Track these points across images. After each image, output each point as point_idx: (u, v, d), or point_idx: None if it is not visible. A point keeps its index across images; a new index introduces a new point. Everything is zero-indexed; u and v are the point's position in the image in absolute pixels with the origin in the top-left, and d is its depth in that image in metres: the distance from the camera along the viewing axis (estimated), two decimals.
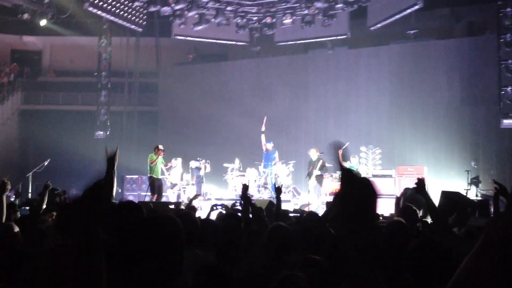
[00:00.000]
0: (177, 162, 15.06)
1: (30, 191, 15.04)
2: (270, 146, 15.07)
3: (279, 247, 3.50)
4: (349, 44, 19.20)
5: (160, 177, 13.95)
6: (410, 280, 3.04)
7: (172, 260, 2.20)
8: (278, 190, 5.91)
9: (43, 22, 16.61)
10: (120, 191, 15.70)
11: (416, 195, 11.40)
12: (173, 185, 15.13)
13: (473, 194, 12.64)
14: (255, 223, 5.33)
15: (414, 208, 5.73)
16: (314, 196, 13.92)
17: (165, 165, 14.35)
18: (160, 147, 13.85)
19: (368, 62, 18.24)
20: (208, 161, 15.59)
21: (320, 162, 14.02)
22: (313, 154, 14.24)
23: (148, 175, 13.77)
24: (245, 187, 5.48)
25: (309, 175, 14.14)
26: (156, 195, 13.48)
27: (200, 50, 22.25)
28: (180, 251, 2.23)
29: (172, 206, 10.46)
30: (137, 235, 2.30)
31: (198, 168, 15.55)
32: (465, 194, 11.57)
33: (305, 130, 18.54)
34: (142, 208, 3.43)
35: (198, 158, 15.62)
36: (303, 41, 19.55)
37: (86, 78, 21.97)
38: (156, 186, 13.69)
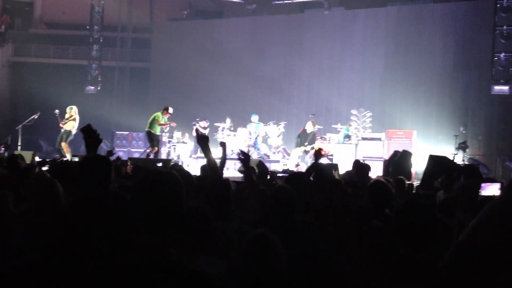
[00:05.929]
0: (72, 111, 13.50)
1: (19, 143, 14.99)
2: (254, 119, 15.18)
3: (285, 208, 3.53)
4: (346, 5, 18.90)
5: (158, 133, 13.90)
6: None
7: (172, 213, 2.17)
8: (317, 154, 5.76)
9: None
10: (109, 145, 15.68)
11: (403, 158, 11.49)
12: (67, 135, 13.51)
13: (460, 158, 12.73)
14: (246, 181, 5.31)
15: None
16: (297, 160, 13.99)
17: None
18: (170, 110, 13.64)
19: (364, 24, 17.99)
20: (207, 120, 15.49)
21: (312, 137, 14.00)
22: (309, 127, 14.09)
23: (146, 129, 13.66)
24: (244, 154, 5.30)
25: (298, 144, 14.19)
26: (156, 148, 13.54)
27: (195, 6, 21.85)
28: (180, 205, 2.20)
29: (159, 164, 10.50)
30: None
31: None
32: (452, 159, 11.65)
33: (298, 90, 18.45)
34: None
35: (197, 119, 15.57)
36: (300, 0, 19.23)
37: (78, 32, 21.60)
38: (155, 141, 13.70)
